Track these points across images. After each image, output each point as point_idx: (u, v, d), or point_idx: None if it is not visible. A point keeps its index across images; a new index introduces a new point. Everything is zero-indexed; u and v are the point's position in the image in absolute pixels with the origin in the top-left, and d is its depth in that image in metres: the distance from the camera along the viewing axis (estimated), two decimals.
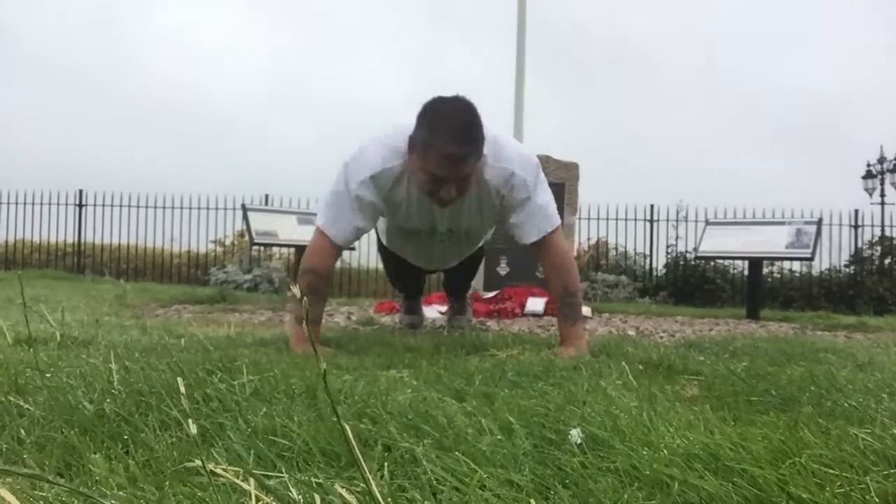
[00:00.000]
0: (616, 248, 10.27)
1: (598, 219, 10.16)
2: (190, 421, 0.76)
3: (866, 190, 15.25)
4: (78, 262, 10.62)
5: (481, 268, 4.36)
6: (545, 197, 2.34)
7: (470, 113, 2.11)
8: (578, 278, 2.39)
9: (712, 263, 9.20)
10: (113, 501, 0.81)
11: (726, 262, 9.29)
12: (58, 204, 10.75)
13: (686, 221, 9.88)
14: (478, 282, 4.94)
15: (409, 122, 2.19)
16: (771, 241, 5.10)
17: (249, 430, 1.08)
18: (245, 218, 5.53)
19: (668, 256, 9.87)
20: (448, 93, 2.17)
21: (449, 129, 2.05)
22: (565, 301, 2.31)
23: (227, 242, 11.58)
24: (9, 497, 0.62)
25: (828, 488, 0.84)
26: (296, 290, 0.75)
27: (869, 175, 15.37)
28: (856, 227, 10.16)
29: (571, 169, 5.54)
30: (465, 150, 2.07)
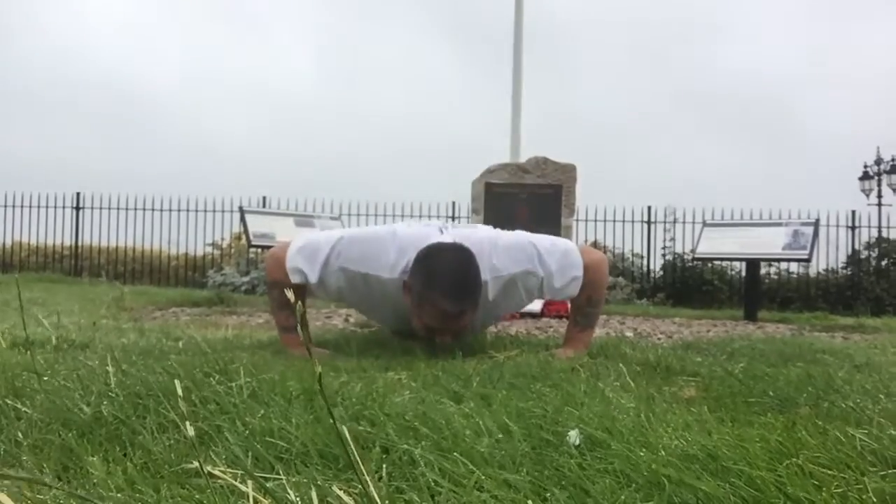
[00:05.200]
0: (613, 250, 10.28)
1: (596, 220, 10.19)
2: (188, 423, 0.76)
3: (863, 191, 15.27)
4: (75, 265, 10.60)
5: None
6: (553, 255, 2.22)
7: (466, 265, 2.03)
8: (605, 289, 2.35)
9: (710, 265, 9.21)
10: None
11: (724, 264, 9.31)
12: (55, 207, 10.75)
13: (684, 223, 9.90)
14: None
15: (425, 234, 2.12)
16: (768, 243, 5.11)
17: (247, 432, 1.08)
18: (242, 220, 5.54)
19: (664, 258, 9.89)
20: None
21: (445, 285, 1.98)
22: (583, 310, 2.29)
23: (225, 245, 11.58)
24: (7, 502, 0.62)
25: (825, 489, 0.84)
26: (290, 294, 0.74)
27: (866, 176, 15.40)
28: (853, 228, 10.19)
29: (569, 171, 5.54)
30: (461, 306, 2.00)
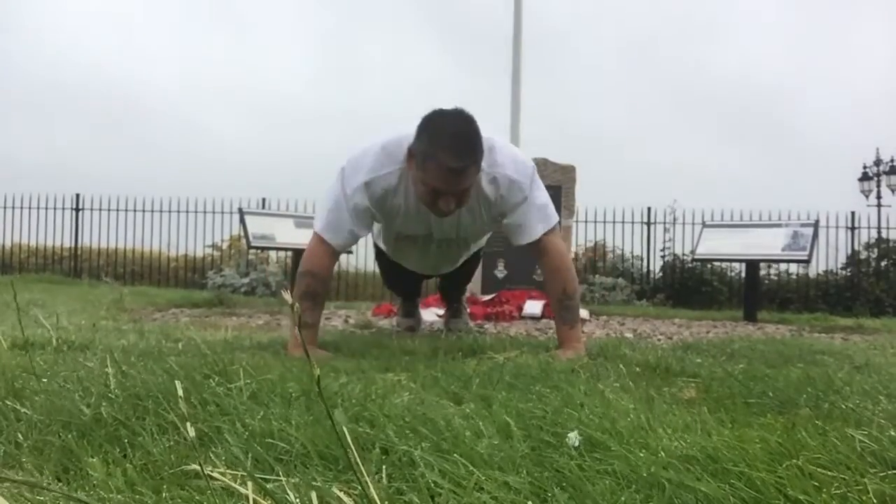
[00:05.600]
0: (613, 251, 10.28)
1: (596, 221, 10.17)
2: (188, 424, 0.76)
3: (863, 192, 15.27)
4: (75, 266, 10.59)
5: (478, 270, 4.37)
6: (541, 198, 2.35)
7: (469, 126, 2.11)
8: (576, 280, 2.39)
9: (710, 266, 9.21)
10: None
11: (724, 265, 9.30)
12: (55, 208, 10.73)
13: (683, 224, 9.89)
14: (475, 284, 4.95)
15: (408, 128, 2.18)
16: (768, 244, 5.11)
17: (247, 433, 1.08)
18: (242, 221, 5.53)
19: (663, 259, 9.88)
20: (442, 104, 2.18)
21: (449, 142, 2.05)
22: (563, 304, 2.32)
23: (224, 246, 11.57)
24: None
25: (825, 490, 0.84)
26: (287, 295, 0.74)
27: (865, 177, 15.39)
28: (852, 229, 10.18)
29: (569, 172, 5.54)
30: (464, 163, 2.06)
